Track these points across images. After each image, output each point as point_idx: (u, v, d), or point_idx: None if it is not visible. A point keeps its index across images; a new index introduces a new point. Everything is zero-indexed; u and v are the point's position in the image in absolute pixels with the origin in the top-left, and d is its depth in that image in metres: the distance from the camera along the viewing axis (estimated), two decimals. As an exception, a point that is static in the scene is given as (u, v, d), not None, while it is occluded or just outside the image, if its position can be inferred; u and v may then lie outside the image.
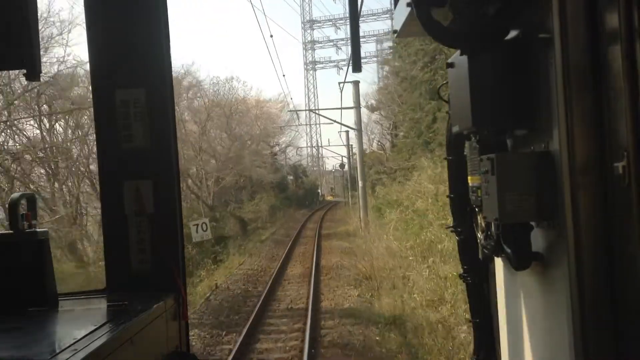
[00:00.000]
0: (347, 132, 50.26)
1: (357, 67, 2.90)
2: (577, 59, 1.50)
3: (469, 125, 1.78)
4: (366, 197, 29.92)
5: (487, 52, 1.74)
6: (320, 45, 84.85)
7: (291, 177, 64.82)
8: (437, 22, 1.79)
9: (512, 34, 1.79)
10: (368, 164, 38.38)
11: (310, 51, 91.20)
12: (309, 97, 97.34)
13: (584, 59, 1.49)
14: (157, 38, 2.25)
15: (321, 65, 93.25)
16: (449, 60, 1.95)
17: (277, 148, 57.97)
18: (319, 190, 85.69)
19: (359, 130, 31.33)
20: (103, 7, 2.28)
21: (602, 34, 1.45)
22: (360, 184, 30.38)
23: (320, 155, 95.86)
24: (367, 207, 29.40)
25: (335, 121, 35.17)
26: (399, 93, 31.33)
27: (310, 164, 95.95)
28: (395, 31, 2.48)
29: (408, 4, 2.06)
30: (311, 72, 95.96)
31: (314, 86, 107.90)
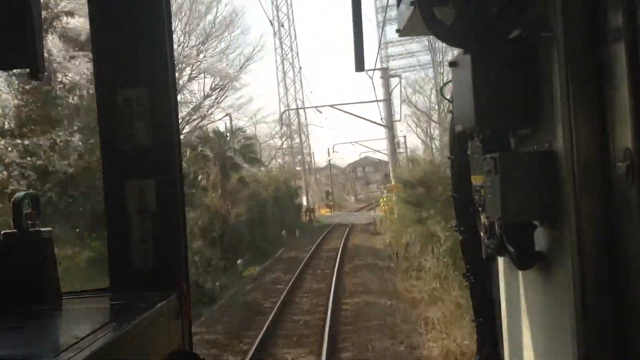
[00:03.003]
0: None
1: (360, 67, 2.88)
2: (581, 58, 1.50)
3: (472, 125, 1.78)
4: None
5: (490, 51, 1.74)
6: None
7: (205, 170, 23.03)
8: (440, 21, 1.78)
9: (516, 33, 1.79)
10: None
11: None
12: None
13: (587, 58, 1.49)
14: (160, 37, 2.25)
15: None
16: (452, 59, 1.94)
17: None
18: (302, 199, 42.54)
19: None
20: (106, 6, 2.29)
21: (606, 32, 1.44)
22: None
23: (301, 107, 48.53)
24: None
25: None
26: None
27: (280, 138, 46.46)
28: (398, 30, 2.48)
29: (412, 3, 2.05)
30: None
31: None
